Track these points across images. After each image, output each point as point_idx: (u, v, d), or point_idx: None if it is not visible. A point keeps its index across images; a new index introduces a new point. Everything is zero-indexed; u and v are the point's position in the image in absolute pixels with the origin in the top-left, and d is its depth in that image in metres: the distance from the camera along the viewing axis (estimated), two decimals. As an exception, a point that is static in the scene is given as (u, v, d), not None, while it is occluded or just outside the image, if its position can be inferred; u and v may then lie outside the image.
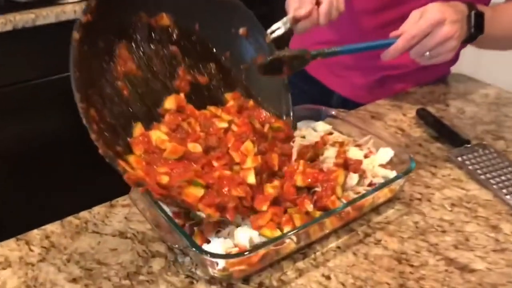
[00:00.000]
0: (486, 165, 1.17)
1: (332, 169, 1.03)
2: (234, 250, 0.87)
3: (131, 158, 0.86)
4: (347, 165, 1.05)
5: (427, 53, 1.11)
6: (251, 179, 0.92)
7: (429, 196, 1.09)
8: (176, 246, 0.87)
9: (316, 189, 0.99)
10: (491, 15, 1.19)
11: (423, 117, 1.35)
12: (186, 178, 0.84)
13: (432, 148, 1.26)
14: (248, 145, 0.94)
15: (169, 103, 1.00)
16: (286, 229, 0.90)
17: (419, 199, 1.08)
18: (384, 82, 1.54)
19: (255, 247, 0.84)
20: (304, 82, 1.67)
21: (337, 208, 0.93)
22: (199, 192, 0.86)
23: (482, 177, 1.13)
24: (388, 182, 1.00)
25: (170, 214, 0.95)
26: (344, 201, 0.99)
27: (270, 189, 0.94)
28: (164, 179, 0.84)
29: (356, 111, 1.42)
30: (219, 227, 0.92)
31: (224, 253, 0.86)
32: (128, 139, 0.89)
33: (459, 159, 1.19)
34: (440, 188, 1.11)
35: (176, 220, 0.93)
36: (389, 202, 1.06)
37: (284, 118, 1.12)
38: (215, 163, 0.90)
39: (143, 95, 0.95)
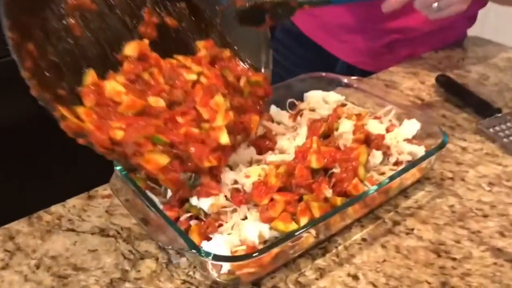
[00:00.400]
0: (523, 137, 1.02)
1: (351, 147, 0.87)
2: (241, 249, 0.71)
3: (81, 110, 0.73)
4: (368, 141, 0.89)
5: (435, 3, 0.94)
6: (224, 138, 0.77)
7: (463, 175, 0.93)
8: (170, 247, 0.70)
9: (334, 170, 0.83)
10: None
11: (444, 84, 1.19)
12: (145, 133, 0.72)
13: (458, 119, 1.10)
14: (219, 99, 0.80)
15: (130, 49, 0.82)
16: (303, 220, 0.74)
17: (451, 179, 0.93)
18: (392, 47, 1.37)
19: (268, 246, 0.68)
20: (302, 47, 1.50)
21: (364, 193, 0.77)
22: (163, 160, 0.73)
23: (520, 150, 0.98)
24: (419, 160, 0.84)
25: (160, 205, 0.79)
26: (368, 184, 0.83)
27: (273, 179, 0.78)
28: (118, 134, 0.72)
29: (368, 79, 1.25)
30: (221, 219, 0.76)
31: (229, 253, 0.70)
32: (78, 88, 0.76)
33: (491, 130, 1.04)
34: (474, 165, 0.96)
35: (168, 213, 0.77)
36: (418, 183, 0.91)
37: (263, 71, 0.93)
38: (179, 119, 0.77)
39: (98, 35, 0.80)
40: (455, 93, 1.16)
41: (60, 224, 0.82)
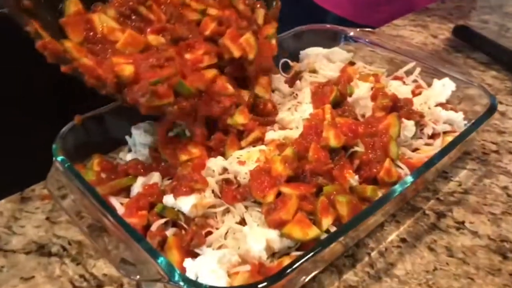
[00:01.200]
0: None
1: (376, 116, 0.66)
2: (244, 270, 0.49)
3: (69, 44, 0.60)
4: (396, 108, 0.68)
5: None
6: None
7: (509, 146, 0.74)
8: (137, 278, 0.47)
9: (357, 149, 0.62)
10: None
11: (464, 37, 0.99)
12: (166, 75, 0.58)
13: (487, 77, 0.91)
14: (249, 37, 0.67)
15: None
16: (326, 222, 0.53)
17: (496, 152, 0.73)
18: None
19: (286, 268, 0.45)
20: (287, 1, 1.27)
21: (404, 182, 0.56)
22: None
23: None
24: (467, 133, 0.63)
25: (121, 209, 0.56)
26: (402, 165, 0.62)
27: (279, 165, 0.56)
28: (127, 70, 0.58)
29: (371, 30, 1.04)
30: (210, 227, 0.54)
31: (226, 277, 0.48)
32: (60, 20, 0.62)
33: (531, 90, 0.84)
34: (519, 133, 0.77)
35: (132, 220, 0.54)
36: (457, 159, 0.71)
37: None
38: (187, 55, 0.65)
39: None
40: (479, 47, 0.96)
41: (-20, 241, 0.59)
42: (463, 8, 1.17)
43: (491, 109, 0.66)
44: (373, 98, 0.70)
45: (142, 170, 0.61)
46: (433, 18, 1.12)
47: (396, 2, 1.19)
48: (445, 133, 0.69)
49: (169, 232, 0.54)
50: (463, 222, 0.62)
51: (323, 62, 0.81)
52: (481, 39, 0.97)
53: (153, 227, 0.54)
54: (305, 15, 1.22)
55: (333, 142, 0.59)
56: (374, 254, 0.57)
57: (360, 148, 0.62)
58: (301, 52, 0.84)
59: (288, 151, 0.58)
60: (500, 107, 0.82)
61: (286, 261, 0.50)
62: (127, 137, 0.69)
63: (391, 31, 1.06)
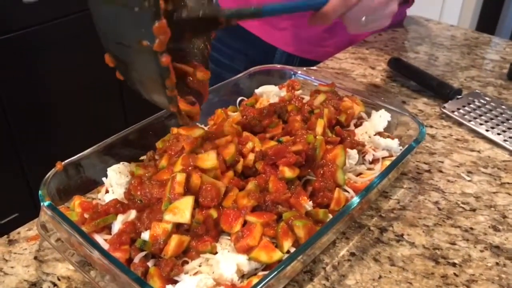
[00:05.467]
0: (489, 117, 0.96)
1: (324, 148, 0.76)
2: (218, 291, 0.57)
3: None
4: (341, 139, 0.78)
5: (363, 18, 0.84)
6: None
7: (439, 166, 0.86)
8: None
9: (309, 177, 0.72)
10: None
11: (398, 68, 1.12)
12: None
13: (418, 104, 1.03)
14: None
15: None
16: (286, 245, 0.62)
17: (428, 171, 0.85)
18: (334, 30, 1.28)
19: (255, 286, 0.54)
20: (237, 39, 1.36)
21: (349, 204, 0.66)
22: None
23: (490, 133, 0.92)
24: (401, 157, 0.75)
25: (105, 245, 0.63)
26: (350, 190, 0.72)
27: (245, 200, 0.65)
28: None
29: (317, 68, 1.15)
30: (186, 256, 0.62)
31: (204, 299, 0.56)
32: None
33: (456, 114, 0.97)
34: (447, 153, 0.89)
35: (117, 254, 0.61)
36: (395, 180, 0.82)
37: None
38: None
39: None
40: (411, 76, 1.09)
41: (-25, 284, 0.64)
42: (397, 40, 1.30)
43: (420, 137, 0.78)
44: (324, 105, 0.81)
45: (121, 209, 0.68)
46: (371, 50, 1.24)
47: (338, 37, 1.30)
48: (384, 158, 0.80)
49: (150, 263, 0.62)
50: (402, 235, 0.72)
51: (276, 99, 0.91)
52: (411, 69, 1.09)
53: (136, 259, 0.62)
54: (254, 52, 1.33)
55: (288, 174, 0.69)
56: (328, 268, 0.67)
57: (312, 177, 0.72)
58: (256, 91, 0.94)
59: (251, 185, 0.67)
60: (431, 131, 0.95)
61: (255, 280, 0.58)
62: (104, 179, 0.76)
63: (334, 64, 1.18)
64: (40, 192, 0.66)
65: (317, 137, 0.74)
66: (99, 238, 0.65)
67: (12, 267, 0.67)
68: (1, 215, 1.91)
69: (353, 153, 0.76)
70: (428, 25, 1.39)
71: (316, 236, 0.60)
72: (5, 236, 0.71)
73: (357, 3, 0.77)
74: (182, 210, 0.61)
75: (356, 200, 0.67)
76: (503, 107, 0.99)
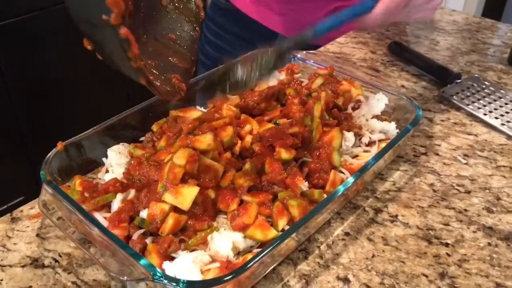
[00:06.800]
0: (487, 102, 0.97)
1: (320, 130, 0.77)
2: (214, 267, 0.59)
3: None
4: (338, 122, 0.79)
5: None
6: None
7: (435, 149, 0.87)
8: (125, 278, 0.56)
9: (306, 159, 0.73)
10: None
11: (398, 52, 1.12)
12: None
13: (418, 88, 1.03)
14: None
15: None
16: (281, 223, 0.63)
17: (425, 154, 0.86)
18: None
19: (248, 262, 0.56)
20: (237, 24, 1.37)
21: (344, 184, 0.67)
22: None
23: (487, 117, 0.93)
24: (396, 140, 0.76)
25: (105, 223, 0.65)
26: (345, 171, 0.73)
27: (242, 180, 0.67)
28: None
29: (317, 52, 1.16)
30: (183, 235, 0.63)
31: (200, 274, 0.58)
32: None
33: (455, 98, 0.98)
34: (444, 137, 0.89)
35: (116, 232, 0.63)
36: (391, 162, 0.83)
37: None
38: None
39: None
40: (411, 60, 1.09)
41: (-21, 259, 0.66)
42: (399, 25, 1.30)
43: (416, 120, 0.79)
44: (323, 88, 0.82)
45: (120, 188, 0.70)
46: (372, 35, 1.25)
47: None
48: (381, 141, 0.81)
49: (148, 240, 0.64)
50: (396, 216, 0.73)
51: (275, 82, 0.92)
52: (412, 53, 1.10)
53: (135, 236, 0.63)
54: (255, 38, 1.32)
55: (285, 155, 0.70)
56: (323, 247, 0.68)
57: (308, 158, 0.73)
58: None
59: (247, 166, 0.68)
60: (429, 114, 0.95)
61: (250, 257, 0.60)
62: (104, 159, 0.77)
63: (335, 48, 1.18)
64: (41, 171, 0.68)
65: (313, 119, 0.75)
66: (99, 216, 0.67)
67: (15, 244, 0.68)
68: (7, 198, 1.94)
69: (350, 135, 0.77)
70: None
71: (310, 214, 0.62)
72: (8, 214, 0.73)
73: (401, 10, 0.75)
74: (184, 196, 0.62)
75: (350, 180, 0.68)
76: (502, 91, 0.99)
